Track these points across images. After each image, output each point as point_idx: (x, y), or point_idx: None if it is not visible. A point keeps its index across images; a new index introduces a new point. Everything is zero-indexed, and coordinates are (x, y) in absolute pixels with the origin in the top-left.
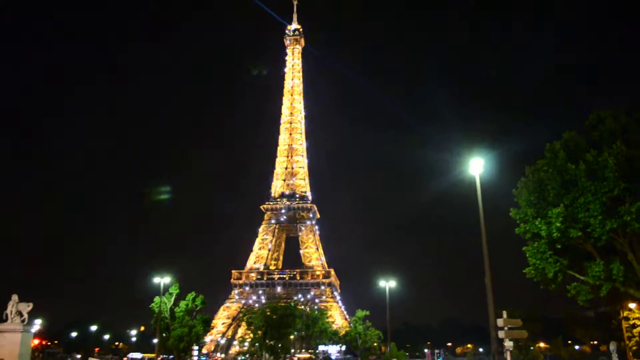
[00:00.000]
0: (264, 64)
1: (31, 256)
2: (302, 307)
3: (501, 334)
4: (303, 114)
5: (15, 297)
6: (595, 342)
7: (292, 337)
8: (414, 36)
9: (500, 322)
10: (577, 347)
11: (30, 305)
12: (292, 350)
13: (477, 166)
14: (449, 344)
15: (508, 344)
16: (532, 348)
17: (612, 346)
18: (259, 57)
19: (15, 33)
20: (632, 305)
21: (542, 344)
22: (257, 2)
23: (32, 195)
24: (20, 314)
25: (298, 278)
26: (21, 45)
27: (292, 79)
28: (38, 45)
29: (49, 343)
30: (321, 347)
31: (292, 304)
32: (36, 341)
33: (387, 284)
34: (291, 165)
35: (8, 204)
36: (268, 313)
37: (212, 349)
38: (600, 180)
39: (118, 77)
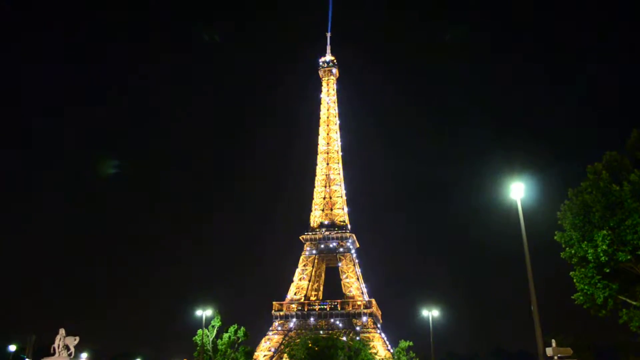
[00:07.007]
0: (215, 30)
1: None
2: (344, 338)
3: None
4: (339, 143)
5: (62, 331)
6: None
7: None
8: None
9: (549, 351)
10: None
11: (77, 339)
12: None
13: (518, 191)
14: None
15: None
16: None
17: None
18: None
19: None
20: None
21: None
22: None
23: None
24: (67, 347)
25: (339, 308)
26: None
27: (328, 110)
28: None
29: None
30: None
31: (334, 335)
32: None
33: (430, 313)
34: (329, 195)
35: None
36: (310, 345)
37: None
38: None
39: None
